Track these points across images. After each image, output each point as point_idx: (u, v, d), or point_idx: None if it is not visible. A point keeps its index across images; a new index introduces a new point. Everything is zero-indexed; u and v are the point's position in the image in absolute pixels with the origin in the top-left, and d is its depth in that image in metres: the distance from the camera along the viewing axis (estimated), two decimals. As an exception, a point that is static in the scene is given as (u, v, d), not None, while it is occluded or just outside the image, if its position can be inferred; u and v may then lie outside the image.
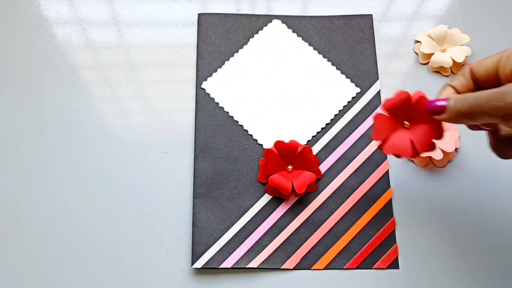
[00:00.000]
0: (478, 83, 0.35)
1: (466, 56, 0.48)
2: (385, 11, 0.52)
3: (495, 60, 0.34)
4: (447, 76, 0.49)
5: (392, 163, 0.45)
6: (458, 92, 0.35)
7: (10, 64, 0.48)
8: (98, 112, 0.47)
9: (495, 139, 0.36)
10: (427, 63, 0.49)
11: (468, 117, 0.33)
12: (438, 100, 0.34)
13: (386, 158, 0.45)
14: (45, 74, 0.48)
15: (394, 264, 0.42)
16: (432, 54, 0.49)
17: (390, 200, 0.44)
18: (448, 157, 0.45)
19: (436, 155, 0.44)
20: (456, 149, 0.45)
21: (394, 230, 0.43)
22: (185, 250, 0.42)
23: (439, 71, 0.49)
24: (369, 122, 0.46)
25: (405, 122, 0.38)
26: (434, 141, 0.37)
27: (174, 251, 0.42)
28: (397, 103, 0.37)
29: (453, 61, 0.48)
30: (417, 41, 0.50)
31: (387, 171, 0.45)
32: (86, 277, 0.41)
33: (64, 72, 0.48)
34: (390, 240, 0.43)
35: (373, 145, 0.46)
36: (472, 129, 0.37)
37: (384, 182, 0.45)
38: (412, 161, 0.45)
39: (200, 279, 0.41)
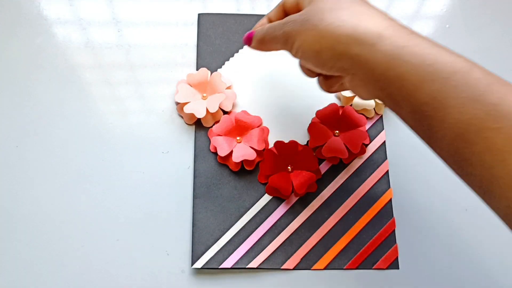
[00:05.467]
0: (287, 14, 0.37)
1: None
2: (385, 11, 0.51)
3: None
4: (371, 118, 0.46)
5: (392, 163, 0.45)
6: (271, 22, 0.39)
7: (10, 64, 0.48)
8: (98, 112, 0.47)
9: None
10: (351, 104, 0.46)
11: (264, 43, 0.37)
12: (251, 32, 0.38)
13: (386, 158, 0.45)
14: (45, 74, 0.48)
15: (394, 264, 0.42)
16: (353, 96, 0.46)
17: (390, 200, 0.44)
18: None
19: None
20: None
21: (394, 230, 0.43)
22: (185, 250, 0.42)
23: (363, 113, 0.46)
24: (369, 122, 0.47)
25: (336, 131, 0.45)
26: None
27: (174, 251, 0.42)
28: (328, 113, 0.45)
29: (375, 101, 0.45)
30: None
31: (387, 171, 0.45)
32: (86, 277, 0.41)
33: (64, 72, 0.48)
34: (390, 240, 0.43)
35: (373, 145, 0.46)
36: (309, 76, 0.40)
37: (384, 182, 0.45)
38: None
39: (200, 279, 0.41)
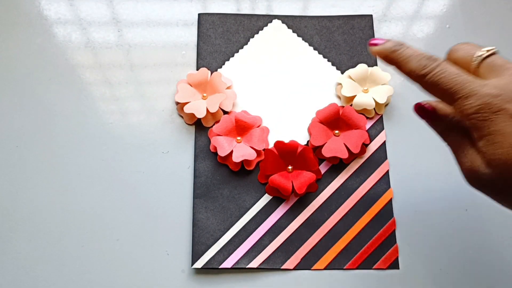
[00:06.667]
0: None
1: (389, 96, 0.46)
2: (385, 11, 0.52)
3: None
4: (371, 118, 0.47)
5: (392, 163, 0.45)
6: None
7: (10, 64, 0.48)
8: (98, 112, 0.47)
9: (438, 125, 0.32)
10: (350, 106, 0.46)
11: (392, 59, 0.30)
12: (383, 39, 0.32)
13: (386, 158, 0.45)
14: (45, 74, 0.48)
15: (394, 264, 0.42)
16: (354, 96, 0.46)
17: (390, 200, 0.44)
18: None
19: None
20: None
21: (394, 230, 0.43)
22: (185, 250, 0.42)
23: (363, 113, 0.46)
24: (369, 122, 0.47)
25: (336, 131, 0.45)
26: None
27: (174, 251, 0.42)
28: (328, 113, 0.45)
29: (376, 102, 0.46)
30: (339, 84, 0.48)
31: (387, 171, 0.45)
32: (86, 277, 0.41)
33: (64, 72, 0.48)
34: (390, 240, 0.43)
35: (373, 145, 0.46)
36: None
37: (384, 182, 0.45)
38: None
39: (200, 279, 0.41)
